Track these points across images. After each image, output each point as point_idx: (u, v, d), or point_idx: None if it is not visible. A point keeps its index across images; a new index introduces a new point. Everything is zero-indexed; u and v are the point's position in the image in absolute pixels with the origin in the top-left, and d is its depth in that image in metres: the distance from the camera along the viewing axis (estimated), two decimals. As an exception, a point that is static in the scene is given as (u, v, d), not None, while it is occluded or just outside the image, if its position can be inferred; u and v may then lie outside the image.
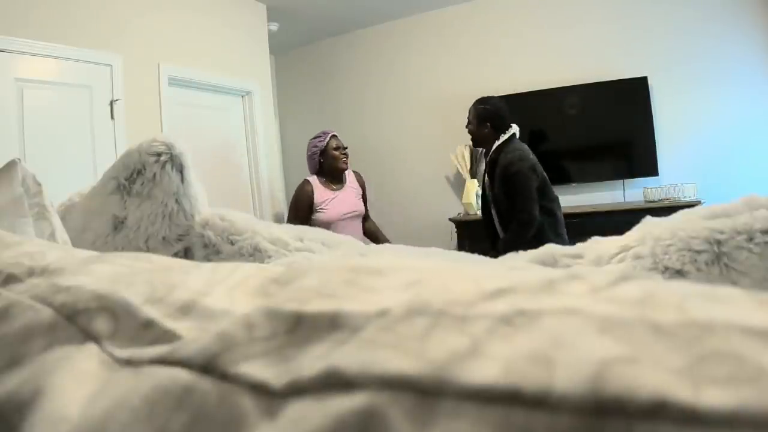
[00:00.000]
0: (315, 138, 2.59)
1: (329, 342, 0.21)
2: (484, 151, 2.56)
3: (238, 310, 0.26)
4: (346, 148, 2.60)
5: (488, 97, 2.50)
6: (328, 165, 2.54)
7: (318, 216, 2.48)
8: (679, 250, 0.64)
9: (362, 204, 2.65)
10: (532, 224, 2.20)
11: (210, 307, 0.28)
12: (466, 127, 2.47)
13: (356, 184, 2.67)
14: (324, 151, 2.52)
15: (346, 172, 2.65)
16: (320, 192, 2.52)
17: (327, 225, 2.44)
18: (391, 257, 0.90)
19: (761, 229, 0.60)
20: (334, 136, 2.57)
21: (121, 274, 0.35)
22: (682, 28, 3.68)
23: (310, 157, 2.59)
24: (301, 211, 2.50)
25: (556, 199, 2.33)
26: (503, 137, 2.30)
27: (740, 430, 0.13)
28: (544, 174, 2.30)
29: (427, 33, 4.54)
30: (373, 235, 2.72)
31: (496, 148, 2.31)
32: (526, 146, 2.33)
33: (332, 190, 2.54)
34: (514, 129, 2.35)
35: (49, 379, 0.26)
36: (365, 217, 2.73)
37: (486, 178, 2.43)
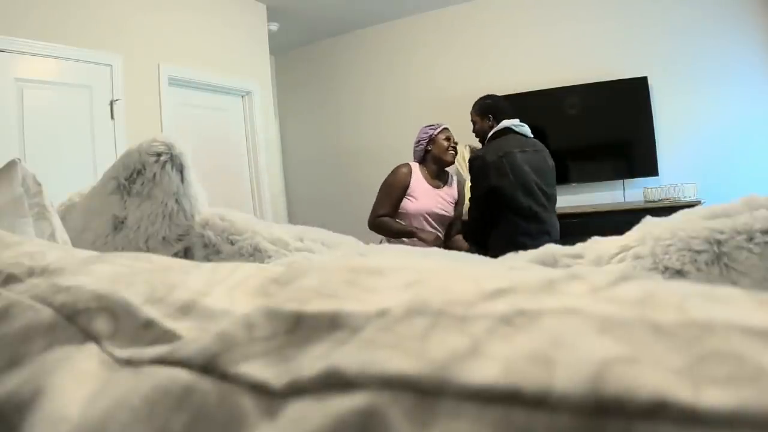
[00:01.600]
0: (427, 126, 2.48)
1: (329, 342, 0.21)
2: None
3: (238, 310, 0.26)
4: (457, 143, 2.48)
5: (489, 94, 2.46)
6: (435, 154, 2.39)
7: (405, 204, 2.31)
8: (679, 250, 0.64)
9: (452, 210, 2.45)
10: (471, 222, 2.16)
11: (210, 307, 0.28)
12: (473, 131, 2.41)
13: (455, 191, 2.49)
14: (433, 140, 2.41)
15: (452, 177, 2.51)
16: (417, 179, 2.36)
17: (411, 218, 2.31)
18: (391, 257, 0.90)
19: (761, 229, 0.60)
20: (446, 128, 2.46)
21: (121, 274, 0.35)
22: (682, 28, 3.68)
23: (417, 143, 2.45)
24: (395, 190, 2.31)
25: (524, 206, 2.11)
26: (495, 129, 2.23)
27: (740, 430, 0.13)
28: (515, 175, 2.10)
29: (427, 33, 4.54)
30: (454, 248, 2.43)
31: (488, 140, 2.25)
32: (510, 143, 2.16)
33: (430, 183, 2.39)
34: (506, 123, 2.22)
35: (49, 379, 0.26)
36: (456, 230, 2.49)
37: None
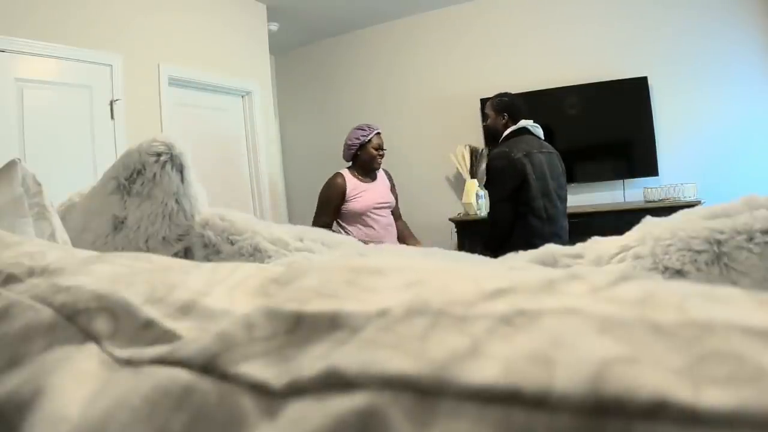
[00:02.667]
0: (359, 129, 2.59)
1: (329, 342, 0.21)
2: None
3: (238, 310, 0.26)
4: (385, 150, 2.60)
5: (505, 92, 2.44)
6: (363, 160, 2.54)
7: (350, 205, 2.46)
8: (679, 250, 0.64)
9: (392, 197, 2.62)
10: (498, 224, 2.14)
11: (210, 307, 0.28)
12: (484, 124, 2.42)
13: (386, 180, 2.66)
14: (363, 146, 2.53)
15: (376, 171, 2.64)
16: (352, 183, 2.51)
17: (360, 215, 2.45)
18: (391, 257, 0.90)
19: (761, 229, 0.60)
20: (378, 133, 2.57)
21: (121, 274, 0.35)
22: (682, 28, 3.68)
23: (348, 147, 2.59)
24: (334, 200, 2.48)
25: (541, 208, 2.13)
26: (511, 128, 2.23)
27: (740, 430, 0.13)
28: (537, 176, 2.11)
29: (428, 33, 4.54)
30: (401, 233, 2.65)
31: (503, 139, 2.24)
32: (530, 144, 2.18)
33: (363, 182, 2.54)
34: (523, 123, 2.24)
35: (49, 379, 0.26)
36: (397, 216, 2.69)
37: None
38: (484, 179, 2.31)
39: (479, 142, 4.24)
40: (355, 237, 2.36)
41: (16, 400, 0.25)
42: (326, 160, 5.08)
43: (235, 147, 3.94)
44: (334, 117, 5.01)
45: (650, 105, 3.69)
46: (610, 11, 3.88)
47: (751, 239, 0.60)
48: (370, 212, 2.49)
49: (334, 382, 0.18)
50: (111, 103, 2.88)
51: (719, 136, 3.60)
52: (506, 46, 4.23)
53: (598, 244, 0.78)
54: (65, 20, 2.68)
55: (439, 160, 4.35)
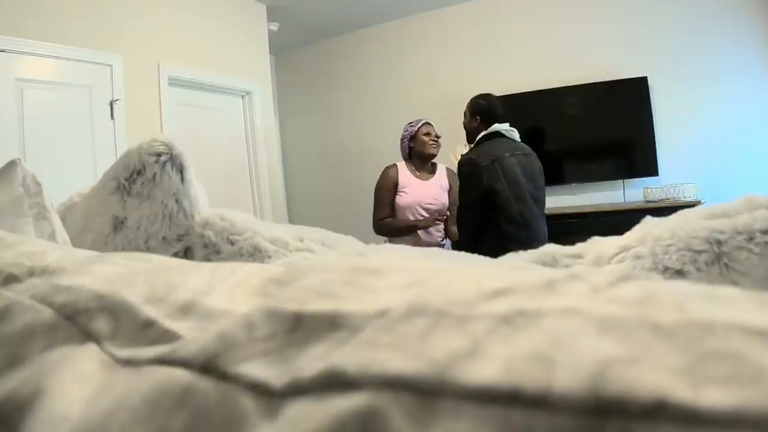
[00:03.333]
0: (408, 124, 2.56)
1: (329, 342, 0.21)
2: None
3: (238, 310, 0.26)
4: (439, 137, 2.55)
5: (488, 94, 2.43)
6: (418, 150, 2.50)
7: (398, 200, 2.41)
8: (679, 250, 0.64)
9: (446, 197, 2.51)
10: (462, 231, 2.12)
11: (210, 307, 0.28)
12: (463, 123, 2.42)
13: (445, 180, 2.56)
14: (414, 136, 2.50)
15: (439, 166, 2.60)
16: (405, 175, 2.46)
17: (405, 211, 2.39)
18: (391, 257, 0.90)
19: (761, 229, 0.60)
20: (427, 123, 2.54)
21: (121, 274, 0.35)
22: (682, 28, 3.68)
23: (401, 141, 2.56)
24: (386, 190, 2.42)
25: (515, 212, 2.06)
26: (483, 133, 2.21)
27: (740, 430, 0.13)
28: (509, 181, 2.06)
29: (427, 33, 4.54)
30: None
31: (476, 143, 2.24)
32: (502, 148, 2.13)
33: (418, 176, 2.49)
34: (497, 127, 2.19)
35: (49, 379, 0.26)
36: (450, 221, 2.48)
37: None
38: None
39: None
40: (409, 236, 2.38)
41: (16, 400, 0.25)
42: (326, 160, 5.09)
43: (235, 147, 3.94)
44: (334, 117, 5.01)
45: (650, 105, 3.69)
46: (610, 11, 3.88)
47: (751, 239, 0.60)
48: (416, 209, 2.40)
49: (334, 382, 0.18)
50: (111, 104, 2.88)
51: (719, 136, 3.60)
52: (506, 46, 4.23)
53: (598, 244, 0.78)
54: (65, 20, 2.68)
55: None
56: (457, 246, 2.22)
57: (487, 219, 2.07)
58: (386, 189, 2.44)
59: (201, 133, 3.58)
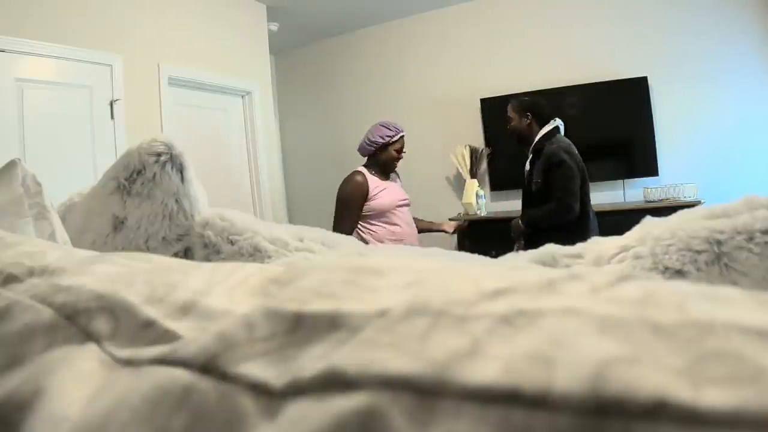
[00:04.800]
0: (385, 127, 2.45)
1: (329, 342, 0.21)
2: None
3: (238, 310, 0.26)
4: (405, 152, 2.53)
5: (516, 95, 2.52)
6: (382, 161, 2.44)
7: (373, 203, 2.37)
8: (679, 250, 0.64)
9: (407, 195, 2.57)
10: (569, 216, 2.18)
11: (210, 307, 0.28)
12: (508, 127, 2.43)
13: (398, 180, 2.61)
14: (386, 146, 2.42)
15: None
16: (373, 180, 2.42)
17: (384, 213, 2.36)
18: (391, 257, 0.90)
19: (761, 229, 0.60)
20: (403, 136, 2.48)
21: (121, 274, 0.35)
22: (682, 28, 3.68)
23: (369, 142, 2.45)
24: (357, 199, 2.36)
25: (588, 203, 2.30)
26: (547, 128, 2.28)
27: (740, 430, 0.13)
28: (586, 174, 2.27)
29: (427, 33, 4.54)
30: (419, 225, 2.61)
31: (541, 138, 2.29)
32: (571, 143, 2.29)
33: (382, 180, 2.46)
34: (558, 122, 2.32)
35: (49, 379, 0.26)
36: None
37: (528, 169, 2.40)
38: (539, 175, 2.28)
39: (479, 142, 4.24)
40: (381, 236, 2.35)
41: (16, 400, 0.25)
42: (326, 160, 5.09)
43: (235, 147, 3.94)
44: (334, 117, 5.01)
45: (650, 105, 3.69)
46: (610, 11, 3.88)
47: (751, 239, 0.60)
48: (394, 210, 2.41)
49: (334, 382, 0.18)
50: (111, 103, 2.88)
51: (719, 136, 3.60)
52: (506, 46, 4.23)
53: (598, 244, 0.78)
54: (65, 20, 2.68)
55: (438, 160, 4.35)
56: (547, 217, 2.25)
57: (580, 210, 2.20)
58: (357, 197, 2.36)
59: (201, 133, 3.58)
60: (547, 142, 2.26)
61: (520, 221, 2.35)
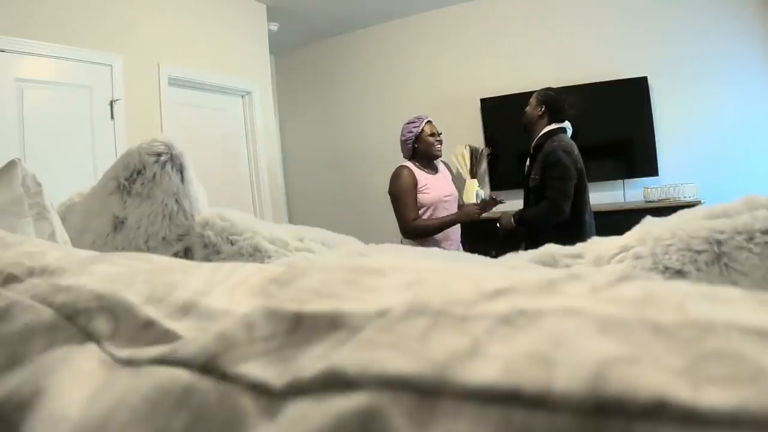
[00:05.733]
0: (409, 123, 2.49)
1: (329, 342, 0.21)
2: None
3: (238, 310, 0.26)
4: (441, 134, 2.51)
5: (556, 89, 2.50)
6: (423, 150, 2.44)
7: (420, 197, 2.37)
8: (679, 250, 0.64)
9: (454, 188, 2.55)
10: (558, 217, 2.19)
11: (210, 307, 0.28)
12: (525, 110, 2.45)
13: (447, 172, 2.58)
14: (419, 137, 2.43)
15: (437, 160, 2.56)
16: (419, 174, 2.42)
17: (429, 206, 2.36)
18: (392, 257, 0.90)
19: (761, 229, 0.60)
20: (429, 122, 2.48)
21: (121, 274, 0.35)
22: (682, 28, 3.68)
23: (404, 142, 2.49)
24: (412, 189, 2.35)
25: (586, 205, 2.30)
26: (552, 126, 2.29)
27: (740, 430, 0.13)
28: (584, 176, 2.27)
29: (427, 33, 4.54)
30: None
31: (544, 134, 2.30)
32: (575, 145, 2.30)
33: (428, 174, 2.45)
34: (567, 125, 2.33)
35: (49, 379, 0.26)
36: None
37: (527, 165, 2.41)
38: (538, 171, 2.28)
39: (479, 142, 4.25)
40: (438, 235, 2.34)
41: (16, 400, 0.25)
42: (326, 160, 5.09)
43: (235, 147, 3.94)
44: (334, 117, 5.01)
45: (650, 105, 3.69)
46: (610, 11, 3.88)
47: (751, 239, 0.60)
48: (440, 205, 2.39)
49: (334, 382, 0.18)
50: (111, 103, 2.88)
51: (719, 136, 3.60)
52: (506, 46, 4.23)
53: (598, 244, 0.78)
54: (65, 20, 2.68)
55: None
56: (541, 216, 2.26)
57: (574, 212, 2.21)
58: (410, 189, 2.36)
59: (201, 133, 3.58)
60: (548, 140, 2.26)
61: (512, 218, 2.35)
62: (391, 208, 2.47)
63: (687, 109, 3.67)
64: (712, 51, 3.61)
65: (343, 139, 4.96)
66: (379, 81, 4.76)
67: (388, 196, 2.49)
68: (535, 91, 2.49)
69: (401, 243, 2.40)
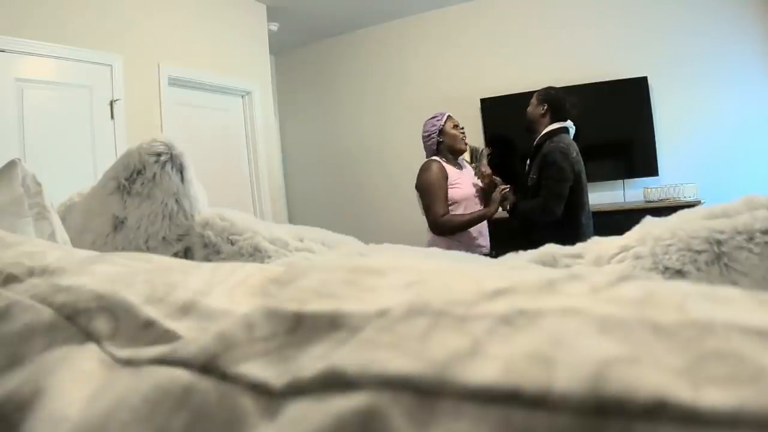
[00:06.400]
0: (431, 119, 2.43)
1: (329, 342, 0.21)
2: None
3: (238, 310, 0.26)
4: (464, 127, 2.45)
5: (558, 88, 2.48)
6: (448, 145, 2.36)
7: (452, 193, 2.28)
8: (679, 250, 0.64)
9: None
10: (548, 217, 2.18)
11: (210, 307, 0.28)
12: (527, 110, 2.43)
13: (470, 168, 2.50)
14: (442, 131, 2.37)
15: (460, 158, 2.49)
16: (449, 169, 2.33)
17: (460, 203, 2.28)
18: (392, 257, 0.90)
19: (761, 229, 0.60)
20: (450, 116, 2.41)
21: (121, 274, 0.35)
22: (682, 28, 3.68)
23: (427, 137, 2.41)
24: (443, 184, 2.25)
25: (583, 206, 2.27)
26: (554, 125, 2.28)
27: (740, 430, 0.13)
28: (583, 178, 2.24)
29: (427, 33, 4.54)
30: None
31: (545, 134, 2.28)
32: (575, 145, 2.27)
33: (456, 169, 2.37)
34: (569, 124, 2.31)
35: (49, 379, 0.26)
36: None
37: (528, 164, 2.40)
38: (535, 171, 2.27)
39: (479, 142, 4.24)
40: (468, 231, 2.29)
41: (16, 400, 0.25)
42: (326, 160, 5.09)
43: (235, 147, 3.94)
44: (334, 117, 5.01)
45: (650, 105, 3.69)
46: (610, 11, 3.88)
47: (751, 239, 0.60)
48: (471, 200, 2.33)
49: (334, 382, 0.18)
50: (111, 103, 2.88)
51: (719, 136, 3.60)
52: (506, 46, 4.23)
53: (598, 244, 0.78)
54: (65, 20, 2.68)
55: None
56: (534, 213, 2.24)
57: (568, 212, 2.19)
58: (441, 183, 2.26)
59: (201, 133, 3.58)
60: (548, 141, 2.26)
61: (507, 205, 2.32)
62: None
63: (687, 109, 3.67)
64: (712, 51, 3.61)
65: (343, 138, 4.96)
66: (379, 81, 4.76)
67: (415, 192, 2.40)
68: (535, 91, 2.47)
69: (428, 244, 2.30)
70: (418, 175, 2.35)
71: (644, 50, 3.75)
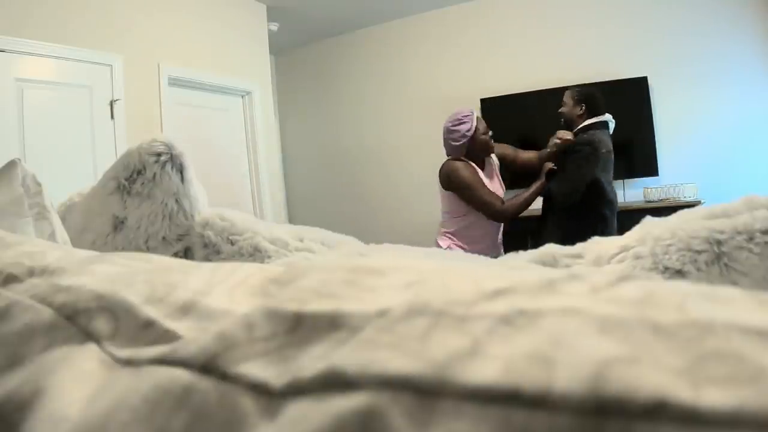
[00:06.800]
0: (459, 123, 2.24)
1: (329, 342, 0.21)
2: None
3: (238, 310, 0.26)
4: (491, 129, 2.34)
5: (588, 85, 2.44)
6: (478, 150, 2.24)
7: None
8: (679, 250, 0.64)
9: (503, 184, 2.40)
10: (566, 198, 2.18)
11: (210, 307, 0.28)
12: (560, 111, 2.41)
13: (495, 164, 2.41)
14: (474, 137, 2.23)
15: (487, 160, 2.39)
16: (476, 168, 2.26)
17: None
18: (392, 257, 0.90)
19: (761, 229, 0.60)
20: (478, 117, 2.29)
21: (121, 274, 0.35)
22: (682, 28, 3.69)
23: (455, 140, 2.24)
24: (478, 178, 2.17)
25: (615, 201, 2.24)
26: (591, 120, 2.28)
27: (740, 430, 0.13)
28: (609, 173, 2.23)
29: (427, 33, 4.54)
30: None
31: (582, 127, 2.27)
32: (609, 140, 2.25)
33: (480, 168, 2.30)
34: (607, 117, 2.30)
35: (49, 379, 0.26)
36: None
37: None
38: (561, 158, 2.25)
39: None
40: (491, 230, 2.27)
41: (16, 400, 0.25)
42: (326, 160, 5.09)
43: (235, 147, 3.94)
44: (334, 117, 5.01)
45: (650, 105, 3.69)
46: (610, 11, 3.88)
47: (751, 239, 0.60)
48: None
49: (334, 382, 0.18)
50: (111, 103, 2.88)
51: (719, 136, 3.60)
52: (506, 46, 4.23)
53: (598, 244, 0.78)
54: (65, 20, 2.68)
55: (438, 160, 4.33)
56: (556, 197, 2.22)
57: (592, 205, 2.18)
58: (477, 177, 2.20)
59: (201, 133, 3.58)
60: (582, 133, 2.26)
61: (545, 174, 2.28)
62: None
63: (687, 109, 3.67)
64: (712, 51, 3.61)
65: (343, 138, 4.96)
66: (379, 81, 4.76)
67: (441, 192, 2.32)
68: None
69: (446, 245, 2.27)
70: (448, 175, 2.25)
71: (644, 50, 3.75)
